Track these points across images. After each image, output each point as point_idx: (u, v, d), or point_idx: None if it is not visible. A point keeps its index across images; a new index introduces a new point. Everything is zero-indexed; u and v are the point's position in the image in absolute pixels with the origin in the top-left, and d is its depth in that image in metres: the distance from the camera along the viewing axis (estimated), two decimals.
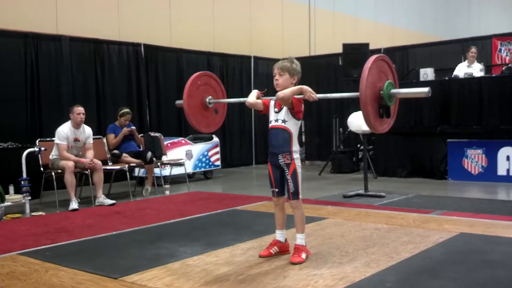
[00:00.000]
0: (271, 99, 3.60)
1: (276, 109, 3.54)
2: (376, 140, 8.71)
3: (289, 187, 3.51)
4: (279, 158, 3.50)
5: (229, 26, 11.07)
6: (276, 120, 3.52)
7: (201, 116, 4.10)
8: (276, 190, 3.58)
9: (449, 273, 3.16)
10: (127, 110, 7.35)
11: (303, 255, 3.49)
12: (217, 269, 3.37)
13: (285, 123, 3.49)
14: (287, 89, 3.40)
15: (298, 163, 3.51)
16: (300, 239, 3.55)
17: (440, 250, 3.70)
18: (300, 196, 3.53)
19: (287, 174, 3.50)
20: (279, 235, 3.67)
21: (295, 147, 3.52)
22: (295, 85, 3.48)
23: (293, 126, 3.50)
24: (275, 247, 3.63)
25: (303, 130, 10.93)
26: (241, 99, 3.92)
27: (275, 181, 3.58)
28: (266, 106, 3.62)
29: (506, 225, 4.48)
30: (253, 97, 3.63)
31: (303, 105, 3.51)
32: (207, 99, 4.09)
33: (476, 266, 3.31)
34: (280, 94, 3.39)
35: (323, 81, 10.89)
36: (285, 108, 3.49)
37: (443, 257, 3.51)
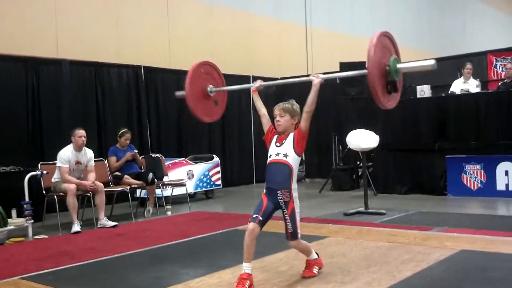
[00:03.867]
0: (275, 133, 3.55)
1: (277, 144, 3.51)
2: (376, 157, 8.75)
3: (287, 227, 3.44)
4: (278, 195, 3.42)
5: (228, 46, 11.19)
6: (277, 154, 3.47)
7: (202, 104, 4.15)
8: (260, 218, 3.36)
9: None
10: (125, 129, 7.44)
11: (315, 270, 3.60)
12: None
13: (286, 158, 3.43)
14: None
15: (296, 202, 3.45)
16: (310, 257, 3.65)
17: (441, 268, 3.71)
18: (299, 236, 3.47)
19: (286, 214, 3.43)
20: (249, 268, 3.37)
21: (295, 185, 3.46)
22: (295, 126, 3.51)
23: (294, 161, 3.44)
24: (248, 282, 3.33)
25: None
26: (244, 86, 4.04)
27: (264, 211, 3.39)
28: (269, 134, 3.57)
29: (507, 241, 4.49)
30: (255, 85, 3.80)
31: (305, 143, 3.50)
32: (208, 88, 4.14)
33: (478, 284, 3.32)
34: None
35: (321, 99, 10.75)
36: (288, 143, 3.47)
37: (445, 275, 3.52)
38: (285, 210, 3.43)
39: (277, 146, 3.51)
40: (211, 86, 4.18)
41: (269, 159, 3.52)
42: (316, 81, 3.55)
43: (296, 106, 3.56)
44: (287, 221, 3.43)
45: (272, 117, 3.63)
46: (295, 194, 3.45)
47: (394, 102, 3.56)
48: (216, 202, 8.73)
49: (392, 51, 3.50)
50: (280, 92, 9.81)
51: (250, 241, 3.35)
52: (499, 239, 4.56)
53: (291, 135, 3.49)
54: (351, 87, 9.41)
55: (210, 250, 4.73)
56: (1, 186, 6.41)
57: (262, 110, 3.70)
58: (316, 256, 3.66)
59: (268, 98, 7.31)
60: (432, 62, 3.30)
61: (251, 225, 3.37)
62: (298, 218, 3.45)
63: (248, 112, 11.10)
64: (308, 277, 3.55)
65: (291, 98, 3.66)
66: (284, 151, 3.46)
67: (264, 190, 3.52)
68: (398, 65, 3.41)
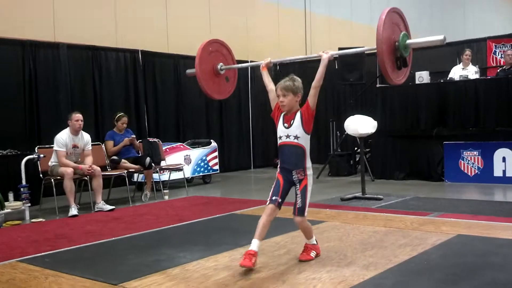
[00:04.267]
0: (281, 111, 3.53)
1: (286, 125, 3.50)
2: (373, 143, 8.75)
3: (296, 202, 3.47)
4: (293, 174, 3.48)
5: (226, 31, 11.06)
6: (288, 136, 3.47)
7: (212, 82, 4.18)
8: (280, 200, 3.47)
9: (447, 275, 3.18)
10: (122, 113, 7.42)
11: (312, 254, 3.62)
12: (217, 273, 3.40)
13: (297, 139, 3.45)
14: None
15: (310, 180, 3.49)
16: (309, 242, 3.66)
17: (438, 252, 3.72)
18: (306, 214, 3.48)
19: (298, 189, 3.47)
20: (257, 245, 3.41)
21: (309, 163, 3.49)
22: (300, 103, 3.51)
23: (306, 141, 3.46)
24: (254, 258, 3.38)
25: None
26: (253, 63, 4.14)
27: (282, 191, 3.48)
28: (276, 111, 3.57)
29: (504, 226, 4.51)
30: (265, 62, 3.84)
31: (313, 120, 3.51)
32: (218, 66, 4.14)
33: (474, 268, 3.33)
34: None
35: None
36: (296, 123, 3.46)
37: (441, 260, 3.53)
38: (298, 186, 3.48)
39: (285, 128, 3.50)
40: (221, 64, 4.19)
41: (279, 141, 3.53)
42: (324, 56, 3.54)
43: (298, 82, 3.53)
44: (298, 196, 3.47)
45: None
46: (309, 172, 3.50)
47: (404, 77, 3.59)
48: (213, 187, 8.74)
49: (402, 27, 3.50)
50: (281, 76, 9.78)
51: (268, 221, 3.43)
52: (496, 224, 4.58)
53: (299, 114, 3.47)
54: (349, 73, 9.37)
55: (207, 234, 4.74)
56: None
57: (270, 85, 3.70)
58: (315, 242, 3.69)
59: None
60: (441, 37, 3.32)
61: (271, 207, 3.44)
62: (308, 195, 3.48)
63: (246, 97, 11.07)
64: (305, 261, 3.58)
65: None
66: (294, 133, 3.46)
67: (278, 169, 3.56)
68: (408, 41, 3.43)
